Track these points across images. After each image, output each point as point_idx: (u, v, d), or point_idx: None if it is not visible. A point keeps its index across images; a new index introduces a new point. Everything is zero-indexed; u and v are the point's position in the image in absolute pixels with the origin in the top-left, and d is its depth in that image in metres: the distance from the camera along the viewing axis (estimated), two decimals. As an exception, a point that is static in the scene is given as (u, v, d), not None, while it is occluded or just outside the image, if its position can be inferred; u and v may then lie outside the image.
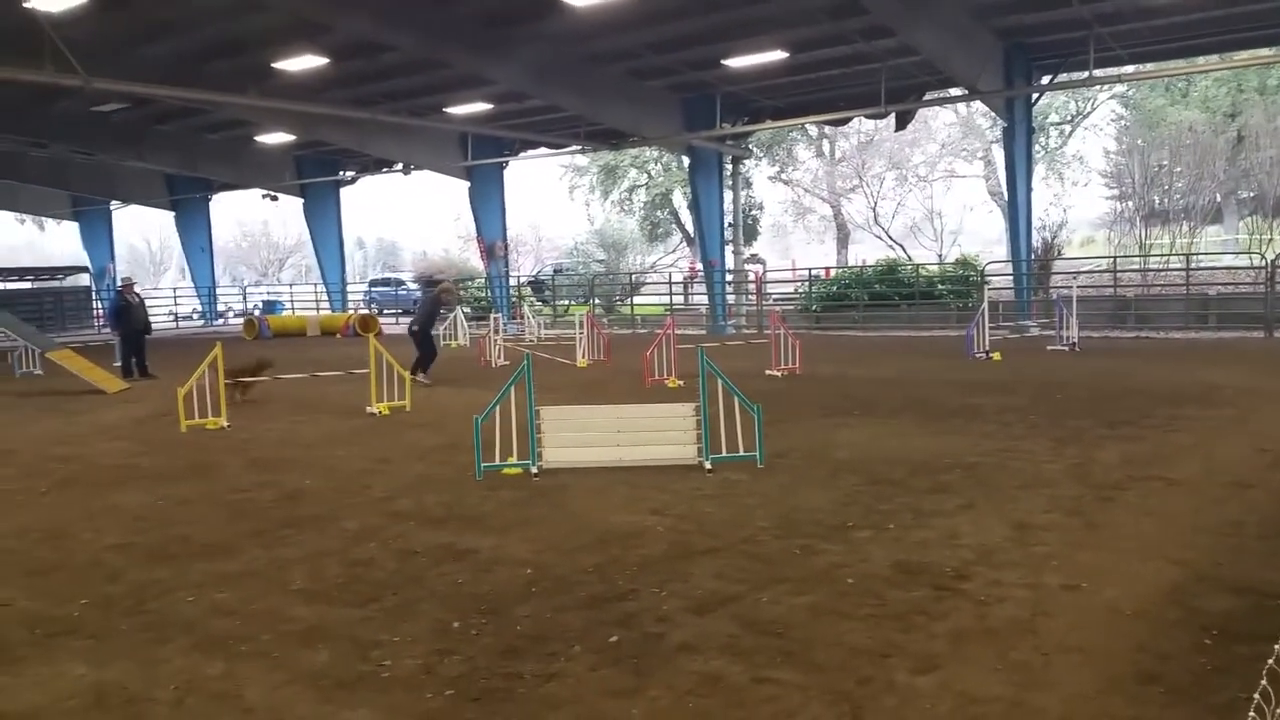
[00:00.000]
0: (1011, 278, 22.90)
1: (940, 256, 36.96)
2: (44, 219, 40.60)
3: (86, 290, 37.24)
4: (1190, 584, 4.58)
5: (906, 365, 14.94)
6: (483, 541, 5.69)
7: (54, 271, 38.52)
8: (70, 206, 37.93)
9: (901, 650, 3.92)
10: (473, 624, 4.37)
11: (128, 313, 15.99)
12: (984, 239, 40.11)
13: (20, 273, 38.53)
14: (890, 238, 40.75)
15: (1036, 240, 23.43)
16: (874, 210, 41.32)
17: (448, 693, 3.70)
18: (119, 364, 15.90)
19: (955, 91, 23.01)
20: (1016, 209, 21.84)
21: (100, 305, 35.50)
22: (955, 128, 39.61)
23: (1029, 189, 22.22)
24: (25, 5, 14.39)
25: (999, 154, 34.43)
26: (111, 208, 38.53)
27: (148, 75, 18.49)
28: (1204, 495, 6.26)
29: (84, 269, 38.60)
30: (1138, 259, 24.70)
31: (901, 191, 41.49)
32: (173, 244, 52.40)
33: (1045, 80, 21.77)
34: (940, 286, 24.10)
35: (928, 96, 23.39)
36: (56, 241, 52.97)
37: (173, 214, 36.82)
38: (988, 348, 15.46)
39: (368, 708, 3.61)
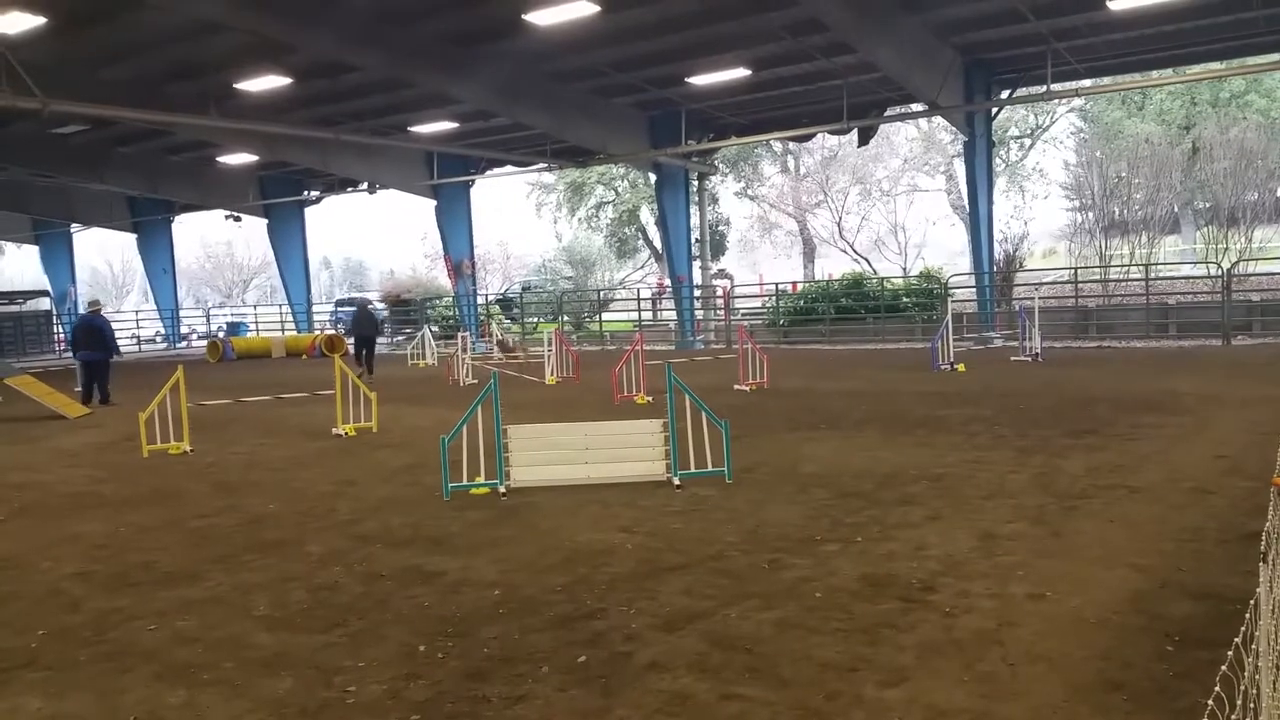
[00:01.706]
0: (975, 290, 23.22)
1: (905, 270, 37.40)
2: (3, 242, 39.96)
3: (47, 314, 36.56)
4: (1153, 591, 4.64)
5: (873, 378, 15.07)
6: (450, 563, 5.64)
7: (13, 296, 37.78)
8: (30, 230, 37.33)
9: (869, 664, 3.93)
10: (439, 647, 4.32)
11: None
12: (948, 251, 40.67)
13: (-22, 297, 37.78)
14: (855, 252, 41.19)
15: (999, 252, 23.79)
16: (839, 225, 41.77)
17: (413, 718, 3.65)
18: (81, 389, 15.38)
19: (916, 107, 23.38)
20: (978, 222, 22.18)
21: (61, 330, 34.83)
22: (917, 142, 40.24)
23: (990, 202, 22.60)
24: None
25: (960, 168, 34.98)
26: (72, 230, 37.95)
27: (107, 97, 18.30)
28: (1165, 502, 6.35)
29: (44, 293, 37.92)
30: (1098, 270, 25.17)
31: (865, 206, 42.06)
32: (135, 266, 51.66)
33: (1004, 95, 22.20)
34: (905, 300, 24.38)
35: (889, 112, 23.77)
36: (16, 265, 52.10)
37: (135, 236, 36.33)
38: (952, 359, 15.64)
39: (331, 736, 3.55)
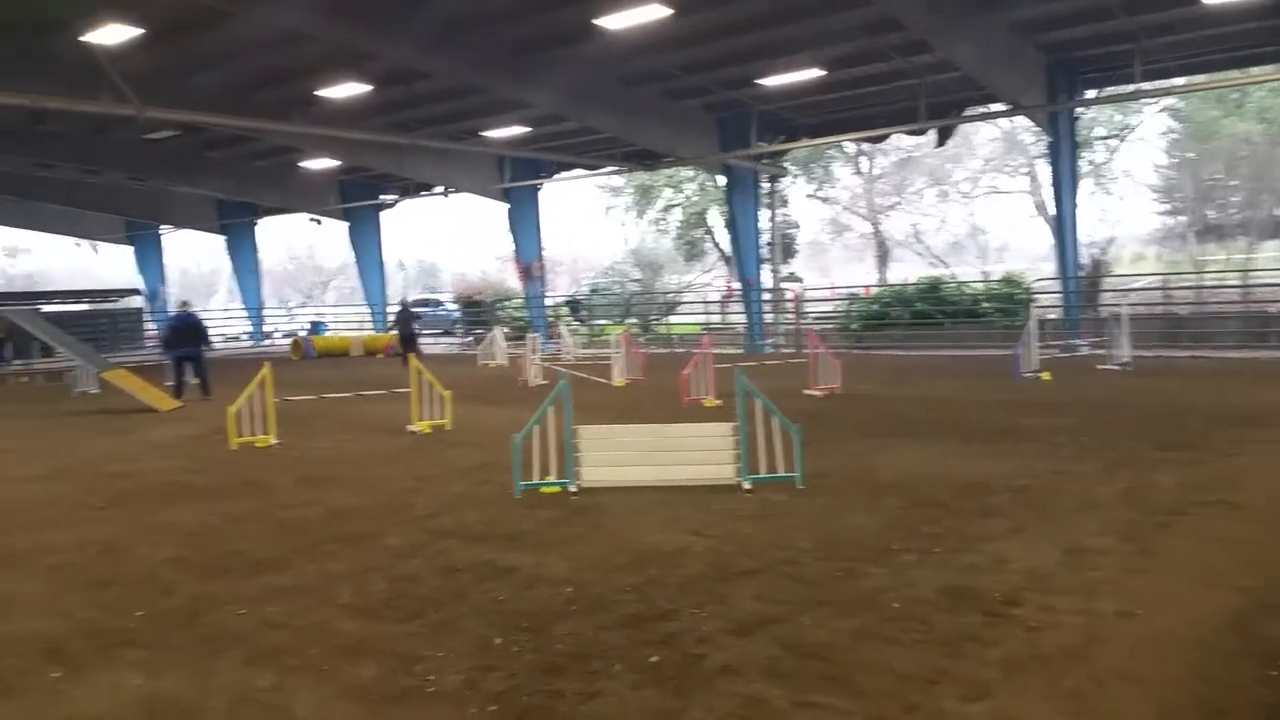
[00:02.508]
0: (1060, 295, 22.51)
1: (985, 274, 36.46)
2: (98, 243, 41.89)
3: (138, 312, 38.23)
4: (1253, 612, 4.41)
5: (951, 385, 14.71)
6: (523, 559, 5.70)
7: (108, 294, 39.61)
8: (124, 231, 39.07)
9: (950, 677, 3.83)
10: (514, 641, 4.38)
11: None
12: (1031, 255, 39.45)
13: (77, 295, 39.68)
14: (933, 255, 40.32)
15: (1085, 257, 23.00)
16: (915, 227, 40.96)
17: (491, 708, 3.69)
18: (195, 382, 15.75)
19: (997, 106, 22.77)
20: (1063, 225, 21.48)
21: (154, 326, 36.34)
22: (998, 143, 39.14)
23: (1075, 205, 21.86)
24: (83, 39, 14.91)
25: (1044, 169, 33.95)
26: (162, 232, 39.60)
27: (198, 104, 18.99)
28: (1267, 521, 6.05)
29: (136, 291, 39.67)
30: (1191, 275, 24.14)
31: (943, 208, 41.12)
32: (222, 267, 53.56)
33: (1090, 94, 21.45)
34: (985, 305, 23.75)
35: (969, 112, 23.17)
36: (110, 265, 54.57)
37: (223, 238, 37.71)
38: (1036, 367, 15.16)
39: (411, 725, 3.62)
